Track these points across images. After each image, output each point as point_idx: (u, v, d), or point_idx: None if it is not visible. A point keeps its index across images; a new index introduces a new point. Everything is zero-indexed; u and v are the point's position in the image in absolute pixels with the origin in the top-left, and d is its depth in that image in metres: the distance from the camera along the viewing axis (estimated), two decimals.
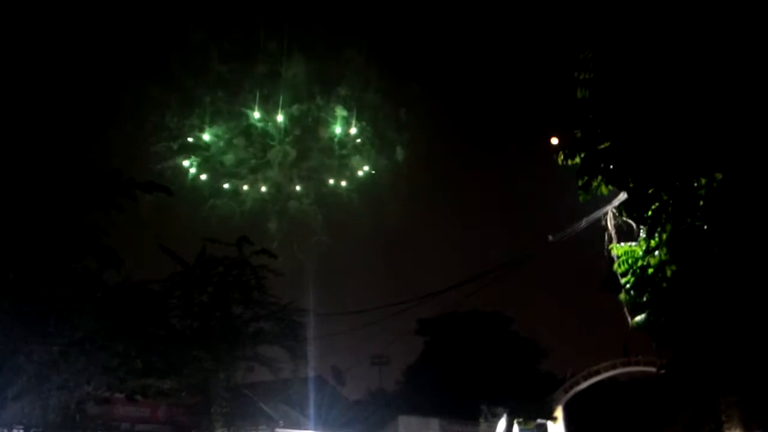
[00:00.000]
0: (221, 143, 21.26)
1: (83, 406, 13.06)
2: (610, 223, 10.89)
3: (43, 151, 12.25)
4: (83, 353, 12.31)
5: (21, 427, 12.69)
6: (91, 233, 13.13)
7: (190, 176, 21.23)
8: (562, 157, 7.84)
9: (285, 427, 20.22)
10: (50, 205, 12.45)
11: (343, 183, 22.28)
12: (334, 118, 21.10)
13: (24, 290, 11.61)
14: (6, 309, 11.40)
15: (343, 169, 22.14)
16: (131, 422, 15.88)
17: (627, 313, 10.14)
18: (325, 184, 22.47)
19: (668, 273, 7.85)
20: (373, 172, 21.91)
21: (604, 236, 10.90)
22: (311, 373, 22.49)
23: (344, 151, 21.84)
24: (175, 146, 20.70)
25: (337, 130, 21.45)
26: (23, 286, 11.61)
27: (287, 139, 21.47)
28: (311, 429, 21.86)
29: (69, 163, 12.55)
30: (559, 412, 42.20)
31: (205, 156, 21.29)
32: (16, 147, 12.07)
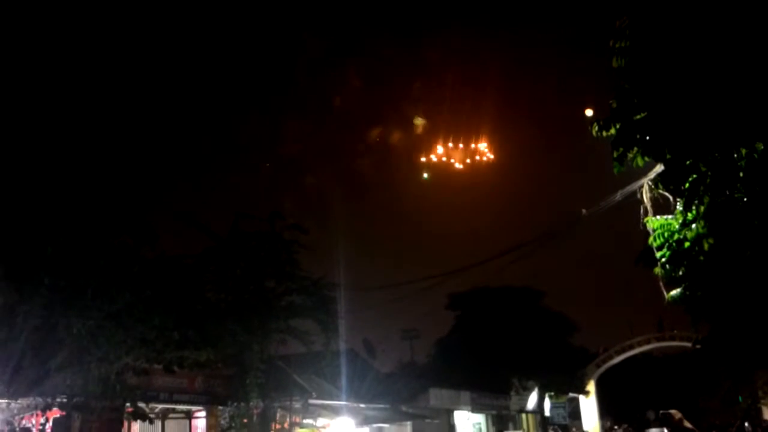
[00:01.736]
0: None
1: (122, 377, 13.41)
2: (646, 196, 10.66)
3: (80, 131, 12.46)
4: (121, 326, 12.61)
5: (64, 396, 13.10)
6: (128, 209, 13.41)
7: None
8: (596, 128, 7.66)
9: (318, 398, 20.54)
10: (87, 182, 12.71)
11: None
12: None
13: (62, 265, 11.92)
14: (45, 284, 11.72)
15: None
16: (169, 392, 16.26)
17: (662, 288, 9.98)
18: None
19: (705, 246, 7.68)
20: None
21: (640, 209, 10.69)
22: (343, 346, 22.73)
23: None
24: None
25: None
26: (62, 261, 11.91)
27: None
28: (343, 401, 22.17)
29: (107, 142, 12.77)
30: (591, 386, 42.15)
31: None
32: (54, 127, 12.31)
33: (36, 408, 13.51)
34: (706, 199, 7.29)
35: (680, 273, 8.93)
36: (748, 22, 6.84)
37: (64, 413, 13.32)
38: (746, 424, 35.97)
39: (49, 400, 13.03)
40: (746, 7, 6.92)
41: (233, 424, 18.04)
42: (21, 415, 14.51)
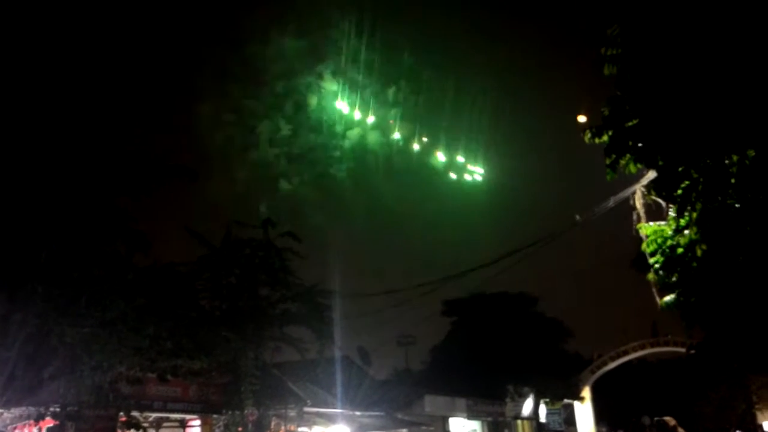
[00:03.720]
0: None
1: (116, 385, 13.34)
2: (639, 202, 10.72)
3: (72, 136, 12.44)
4: (114, 334, 12.55)
5: (57, 406, 13.02)
6: (120, 218, 13.37)
7: None
8: (589, 135, 7.70)
9: (313, 406, 20.48)
10: (80, 190, 12.68)
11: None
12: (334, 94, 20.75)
13: (56, 273, 11.86)
14: (39, 292, 11.66)
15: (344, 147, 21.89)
16: (163, 401, 16.18)
17: (656, 293, 10.02)
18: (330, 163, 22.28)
19: (698, 252, 7.71)
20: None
21: (633, 215, 10.73)
22: (338, 354, 22.70)
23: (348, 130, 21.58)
24: None
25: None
26: (55, 269, 11.86)
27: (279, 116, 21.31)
28: (339, 408, 22.11)
29: (97, 149, 12.75)
30: (586, 392, 42.14)
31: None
32: (45, 132, 12.28)
33: (29, 418, 13.42)
34: (698, 206, 7.33)
35: (674, 279, 8.96)
36: (739, 30, 6.89)
37: (57, 422, 13.23)
38: (738, 431, 36.06)
39: (42, 409, 12.94)
40: (737, 15, 6.97)
41: None
42: (14, 425, 14.40)
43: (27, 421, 13.74)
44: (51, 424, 13.49)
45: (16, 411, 13.45)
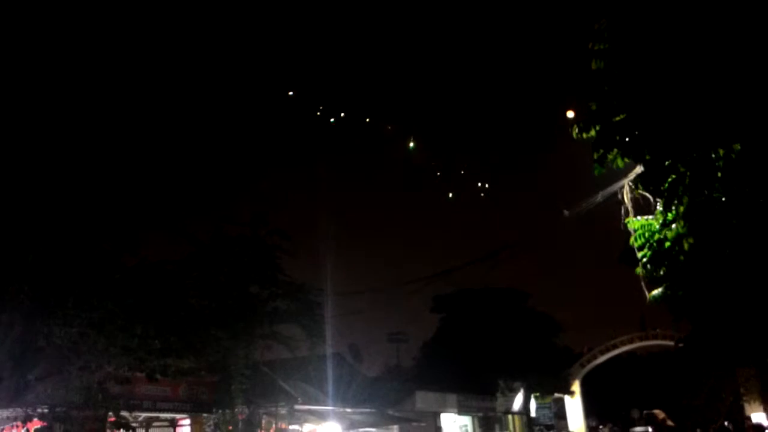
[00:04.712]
0: None
1: (105, 385, 13.26)
2: (626, 197, 10.75)
3: (58, 140, 12.35)
4: (102, 334, 12.48)
5: (45, 407, 12.92)
6: (108, 217, 13.30)
7: None
8: (577, 130, 7.72)
9: (304, 403, 20.45)
10: (66, 190, 12.59)
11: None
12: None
13: (43, 273, 11.78)
14: (26, 292, 11.58)
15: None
16: (152, 401, 16.10)
17: (644, 287, 10.06)
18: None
19: (686, 246, 7.74)
20: None
21: (620, 210, 10.77)
22: (329, 351, 22.68)
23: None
24: None
25: None
26: (42, 269, 11.78)
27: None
28: (330, 405, 22.10)
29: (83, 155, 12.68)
30: (576, 387, 42.41)
31: None
32: (32, 135, 12.18)
33: (16, 419, 13.32)
34: (685, 199, 7.36)
35: (661, 273, 9.00)
36: (726, 24, 6.93)
37: (45, 424, 13.14)
38: (726, 423, 36.43)
39: (29, 410, 12.84)
40: (724, 9, 7.00)
41: None
42: (1, 427, 14.29)
43: (14, 423, 13.64)
44: (39, 426, 13.39)
45: (3, 413, 13.34)
